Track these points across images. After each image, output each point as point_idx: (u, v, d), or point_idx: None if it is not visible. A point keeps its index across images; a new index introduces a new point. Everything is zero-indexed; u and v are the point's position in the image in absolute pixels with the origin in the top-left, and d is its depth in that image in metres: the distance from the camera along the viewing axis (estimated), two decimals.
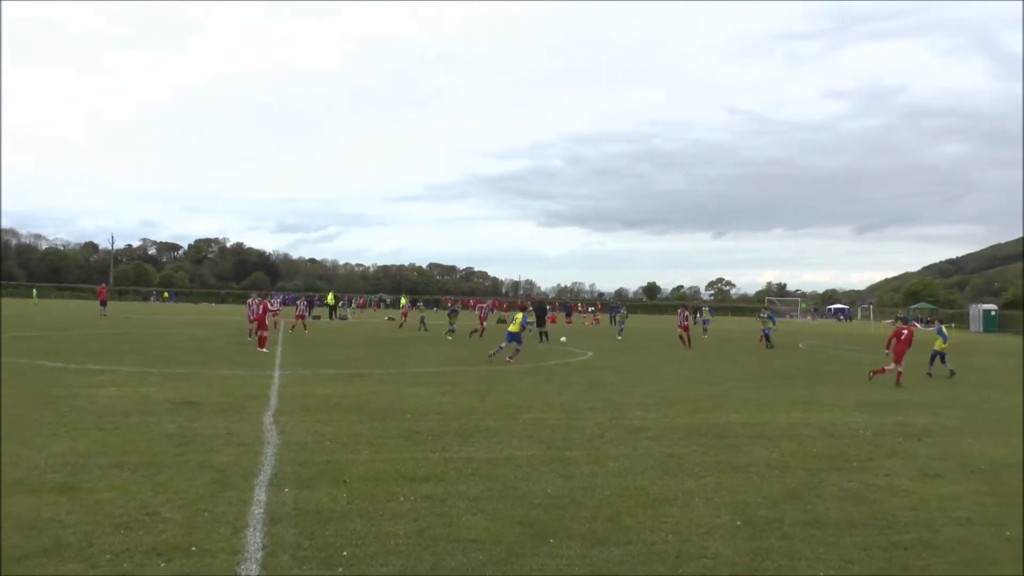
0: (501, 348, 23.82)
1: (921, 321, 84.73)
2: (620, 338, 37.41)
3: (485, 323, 37.19)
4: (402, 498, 7.24)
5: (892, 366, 19.87)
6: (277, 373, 17.90)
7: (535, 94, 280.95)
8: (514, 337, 23.85)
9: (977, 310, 79.34)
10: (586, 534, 6.33)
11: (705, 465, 9.18)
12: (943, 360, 22.49)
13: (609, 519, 6.77)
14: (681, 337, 34.15)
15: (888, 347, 20.27)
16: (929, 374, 21.83)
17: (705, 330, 35.10)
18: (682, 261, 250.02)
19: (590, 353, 27.61)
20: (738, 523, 6.80)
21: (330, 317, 56.40)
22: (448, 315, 37.54)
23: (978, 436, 11.99)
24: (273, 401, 13.37)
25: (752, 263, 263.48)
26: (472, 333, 35.21)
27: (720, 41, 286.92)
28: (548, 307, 37.42)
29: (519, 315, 25.45)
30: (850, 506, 7.55)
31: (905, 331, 20.47)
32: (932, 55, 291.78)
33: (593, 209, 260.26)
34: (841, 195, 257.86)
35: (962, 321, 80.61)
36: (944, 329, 23.18)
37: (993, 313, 77.24)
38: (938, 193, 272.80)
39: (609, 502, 7.34)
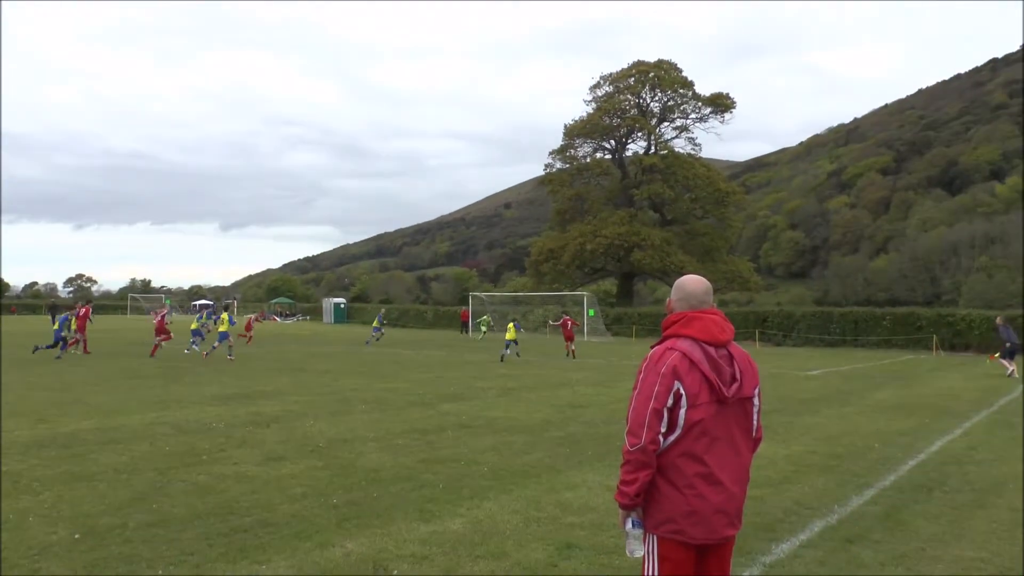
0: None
1: (280, 315, 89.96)
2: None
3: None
4: None
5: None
6: None
7: None
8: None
9: (329, 304, 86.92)
10: None
11: (45, 480, 8.51)
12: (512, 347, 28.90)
13: None
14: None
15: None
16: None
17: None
18: (35, 256, 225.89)
19: None
20: (76, 536, 6.47)
21: None
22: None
23: (319, 418, 13.25)
24: None
25: (117, 259, 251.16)
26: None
27: (84, 23, 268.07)
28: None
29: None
30: (196, 499, 7.73)
31: (570, 322, 32.61)
32: (296, 72, 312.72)
33: None
34: (206, 193, 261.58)
35: (317, 314, 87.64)
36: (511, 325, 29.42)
37: (343, 306, 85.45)
38: (294, 197, 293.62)
39: None
